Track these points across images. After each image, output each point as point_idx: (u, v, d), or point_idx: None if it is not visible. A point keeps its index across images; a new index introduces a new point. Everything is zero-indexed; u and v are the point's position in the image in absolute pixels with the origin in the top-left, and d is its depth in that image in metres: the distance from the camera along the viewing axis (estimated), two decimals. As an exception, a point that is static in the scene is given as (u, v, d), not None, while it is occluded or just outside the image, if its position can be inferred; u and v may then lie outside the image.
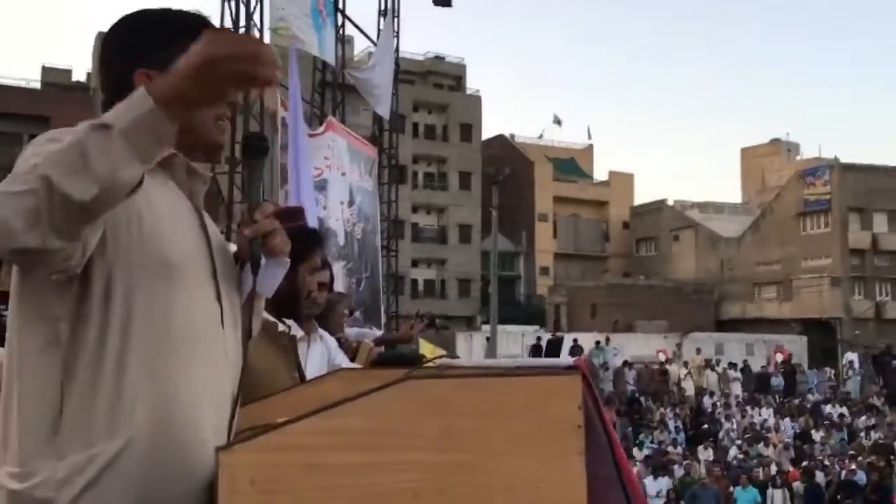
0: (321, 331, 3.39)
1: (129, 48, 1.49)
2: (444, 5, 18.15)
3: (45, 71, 39.31)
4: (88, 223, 1.22)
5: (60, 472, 1.27)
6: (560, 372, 1.33)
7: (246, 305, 1.58)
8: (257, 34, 13.16)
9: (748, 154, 56.79)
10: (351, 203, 11.67)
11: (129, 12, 1.56)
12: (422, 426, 1.24)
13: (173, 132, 1.24)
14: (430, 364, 2.13)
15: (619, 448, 1.38)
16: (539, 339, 26.63)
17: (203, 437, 1.36)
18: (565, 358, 1.39)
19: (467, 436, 1.25)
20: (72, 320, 1.33)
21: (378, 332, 6.73)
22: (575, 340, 26.10)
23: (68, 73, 39.89)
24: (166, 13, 1.54)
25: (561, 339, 25.58)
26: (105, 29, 1.57)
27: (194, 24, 1.49)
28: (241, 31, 12.96)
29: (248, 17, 12.95)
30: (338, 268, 10.43)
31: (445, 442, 1.24)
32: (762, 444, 18.96)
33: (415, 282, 43.60)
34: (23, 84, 36.18)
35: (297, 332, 3.11)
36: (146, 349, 1.35)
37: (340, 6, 15.19)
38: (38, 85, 37.43)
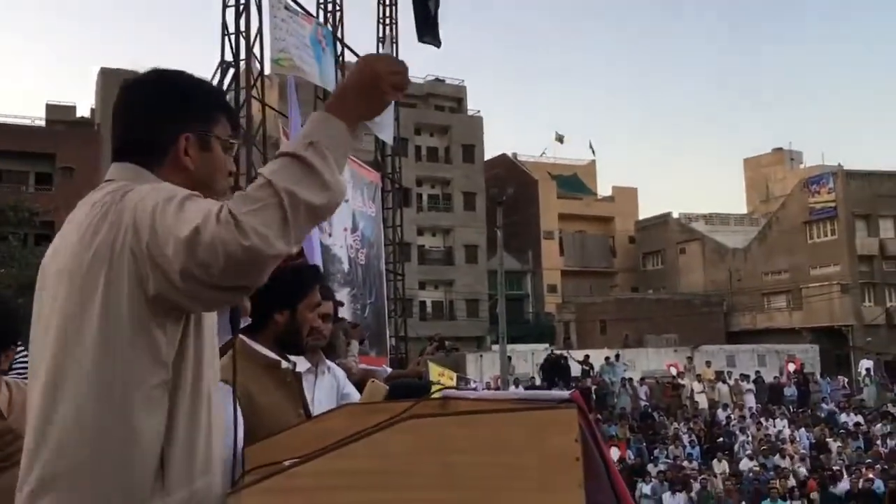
0: (328, 362, 3.42)
1: (175, 114, 1.61)
2: (433, 44, 18.34)
3: (49, 108, 39.60)
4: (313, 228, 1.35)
5: None
6: (556, 406, 1.36)
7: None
8: (258, 66, 13.32)
9: (751, 164, 56.77)
10: (354, 229, 11.75)
11: (166, 76, 1.67)
12: (423, 464, 1.27)
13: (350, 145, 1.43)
14: (435, 394, 2.17)
15: (617, 476, 1.41)
16: (552, 351, 26.65)
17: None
18: (560, 392, 1.42)
19: (468, 471, 1.28)
20: (175, 361, 1.46)
21: (388, 369, 6.77)
22: (586, 357, 26.03)
23: (72, 109, 40.21)
24: (202, 85, 1.71)
25: (561, 356, 25.51)
26: (112, 66, 1.73)
27: (222, 97, 1.78)
28: (241, 63, 13.12)
29: (248, 49, 13.10)
30: (343, 294, 10.48)
31: (447, 479, 1.27)
32: (778, 455, 18.83)
33: (423, 304, 43.58)
34: (28, 122, 36.57)
35: (304, 365, 3.15)
36: (213, 389, 1.52)
37: (339, 35, 15.38)
38: (42, 122, 37.76)
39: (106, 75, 35.22)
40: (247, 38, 13.06)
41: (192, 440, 1.45)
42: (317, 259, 8.16)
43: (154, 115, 1.61)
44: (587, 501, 1.34)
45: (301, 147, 1.35)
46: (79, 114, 40.22)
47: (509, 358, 24.48)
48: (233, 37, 13.10)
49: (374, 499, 1.25)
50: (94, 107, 39.41)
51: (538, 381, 23.90)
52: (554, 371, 24.35)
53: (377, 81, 1.42)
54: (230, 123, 1.69)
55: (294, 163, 1.34)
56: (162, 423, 1.42)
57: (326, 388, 3.28)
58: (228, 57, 13.14)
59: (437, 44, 18.34)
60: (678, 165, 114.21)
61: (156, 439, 1.41)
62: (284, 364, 2.43)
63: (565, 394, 1.40)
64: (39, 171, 34.59)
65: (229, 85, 13.18)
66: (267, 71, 13.71)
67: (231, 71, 13.20)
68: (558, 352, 26.64)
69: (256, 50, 13.21)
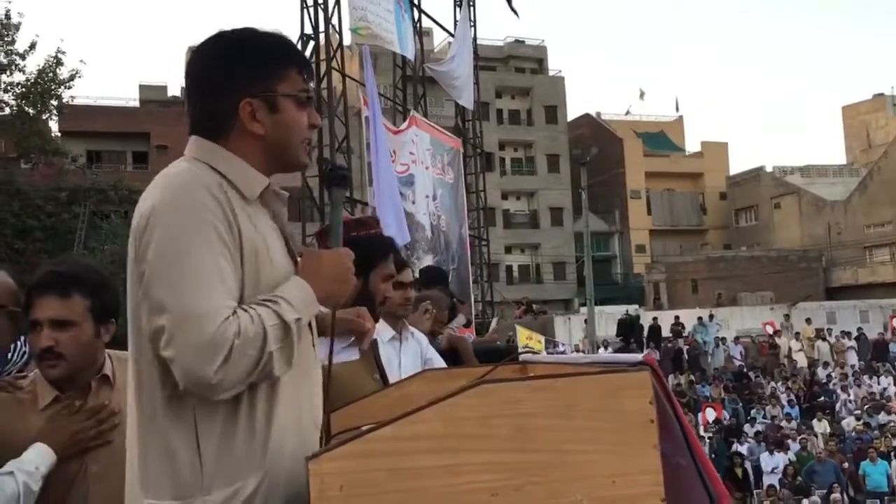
0: (411, 328, 3.49)
1: (234, 79, 1.54)
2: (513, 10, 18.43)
3: (142, 89, 41.02)
4: None
5: None
6: (628, 369, 1.36)
7: None
8: (336, 37, 13.42)
9: (850, 112, 54.03)
10: (434, 197, 11.81)
11: (224, 39, 1.59)
12: (496, 428, 1.29)
13: None
14: (519, 356, 2.21)
15: (694, 437, 1.40)
16: (627, 312, 26.22)
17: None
18: (635, 355, 1.42)
19: (540, 435, 1.30)
20: None
21: (472, 336, 6.85)
22: (676, 317, 25.57)
23: (163, 89, 41.52)
24: (264, 40, 1.59)
25: (636, 318, 25.08)
26: (197, 43, 1.61)
27: (288, 49, 1.61)
28: (321, 35, 13.24)
29: (327, 20, 13.21)
30: (427, 261, 10.59)
31: (519, 442, 1.29)
32: (883, 413, 18.17)
33: (509, 268, 43.55)
34: (122, 103, 37.99)
35: (388, 333, 3.22)
36: (273, 384, 1.47)
37: (416, 1, 15.31)
38: (136, 103, 39.14)
39: (193, 54, 36.14)
40: (325, 10, 13.17)
41: (230, 437, 1.42)
42: (401, 229, 8.22)
43: (214, 84, 1.55)
44: (666, 463, 1.34)
45: (292, 320, 1.42)
46: (170, 93, 41.51)
47: (593, 320, 24.31)
48: (311, 9, 13.23)
49: (446, 462, 1.27)
50: (183, 85, 40.60)
51: (629, 343, 23.65)
52: (630, 332, 24.01)
53: (347, 275, 1.58)
54: (302, 75, 1.59)
55: (284, 332, 1.41)
56: (191, 425, 1.42)
57: (411, 353, 3.37)
58: (308, 30, 13.29)
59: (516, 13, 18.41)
60: (771, 117, 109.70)
61: (189, 441, 1.42)
62: None
63: (639, 356, 1.39)
64: (136, 150, 35.92)
65: (309, 57, 13.35)
66: (346, 42, 13.81)
67: (311, 43, 13.35)
68: (631, 313, 26.18)
69: (336, 21, 13.32)
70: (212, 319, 1.34)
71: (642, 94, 52.30)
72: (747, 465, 15.89)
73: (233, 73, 1.54)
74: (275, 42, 1.59)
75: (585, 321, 24.78)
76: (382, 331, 3.03)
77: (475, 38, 17.47)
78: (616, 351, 21.74)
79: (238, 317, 1.36)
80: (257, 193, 1.53)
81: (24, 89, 23.31)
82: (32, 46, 23.37)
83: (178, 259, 1.38)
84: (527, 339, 15.79)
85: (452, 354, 4.27)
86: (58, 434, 1.98)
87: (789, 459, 15.76)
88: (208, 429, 1.41)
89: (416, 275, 4.84)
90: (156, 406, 1.44)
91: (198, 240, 1.39)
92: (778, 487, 14.65)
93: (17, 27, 23.03)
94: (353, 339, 2.89)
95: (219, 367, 1.33)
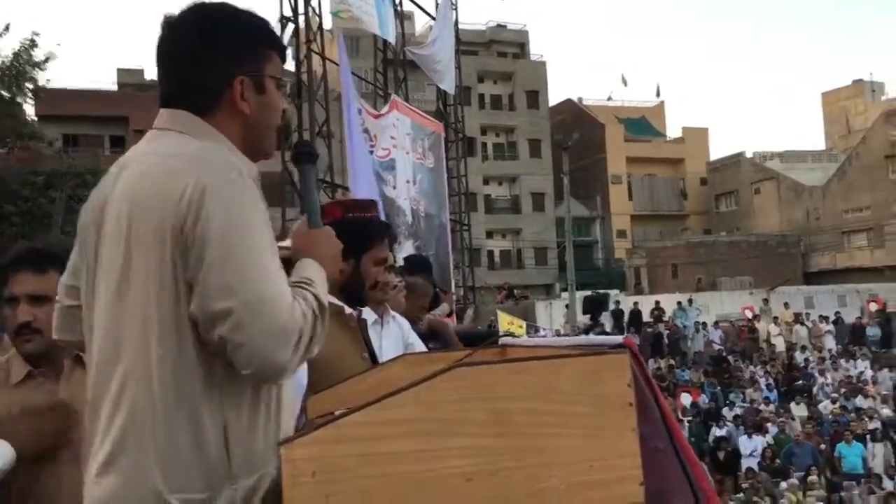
0: (393, 313, 3.47)
1: (228, 55, 1.52)
2: None
3: (120, 73, 40.54)
4: None
5: (240, 493, 1.39)
6: (607, 351, 1.34)
7: None
8: (317, 20, 13.29)
9: (830, 98, 54.44)
10: (414, 181, 11.76)
11: (212, 12, 1.54)
12: (472, 412, 1.27)
13: None
14: (498, 340, 2.20)
15: (673, 420, 1.39)
16: (595, 291, 26.32)
17: None
18: (614, 338, 1.40)
19: (518, 419, 1.28)
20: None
21: (452, 323, 6.84)
22: (657, 302, 25.72)
23: (141, 72, 41.03)
24: (251, 20, 1.57)
25: (604, 296, 25.17)
26: (174, 13, 1.55)
27: (271, 31, 1.62)
28: (301, 17, 13.10)
29: (307, 2, 13.07)
30: (408, 246, 10.57)
31: (496, 426, 1.27)
32: (860, 396, 18.40)
33: (491, 253, 43.61)
34: (100, 87, 37.54)
35: (371, 317, 3.20)
36: None
37: (396, -17, 15.17)
38: (113, 87, 38.69)
39: (171, 37, 35.69)
40: (304, -7, 13.02)
41: (253, 424, 1.41)
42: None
43: (205, 57, 1.50)
44: (644, 447, 1.32)
45: (326, 302, 1.45)
46: (147, 77, 41.02)
47: (574, 305, 24.35)
48: (291, -9, 13.07)
49: (421, 447, 1.25)
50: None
51: (608, 327, 23.72)
52: (597, 309, 24.05)
53: (339, 253, 1.64)
54: (280, 58, 1.59)
55: (323, 314, 1.43)
56: (220, 413, 1.39)
57: (392, 337, 3.35)
58: (287, 12, 13.15)
59: None
60: (751, 103, 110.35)
61: (218, 430, 1.39)
62: (348, 310, 2.47)
63: (619, 339, 1.38)
64: (113, 134, 35.56)
65: (289, 40, 13.21)
66: (327, 25, 13.69)
67: (291, 26, 13.21)
68: (600, 292, 26.29)
69: (315, 3, 13.18)
70: (282, 305, 1.34)
71: (625, 81, 52.50)
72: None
73: (223, 47, 1.52)
74: (259, 22, 1.59)
75: (567, 306, 24.84)
76: (366, 314, 3.02)
77: (457, 22, 17.37)
78: (585, 329, 21.80)
79: (298, 302, 1.38)
80: (253, 177, 1.48)
81: (-2, 72, 22.91)
82: (7, 29, 22.96)
83: (243, 242, 1.35)
84: (508, 324, 15.79)
85: (434, 339, 4.26)
86: (20, 439, 1.94)
87: (768, 442, 15.93)
88: (235, 416, 1.40)
89: (398, 260, 4.83)
90: (190, 395, 1.38)
91: (256, 224, 1.39)
92: (756, 470, 14.81)
93: (-10, 9, 22.63)
94: None
95: (293, 352, 1.34)
